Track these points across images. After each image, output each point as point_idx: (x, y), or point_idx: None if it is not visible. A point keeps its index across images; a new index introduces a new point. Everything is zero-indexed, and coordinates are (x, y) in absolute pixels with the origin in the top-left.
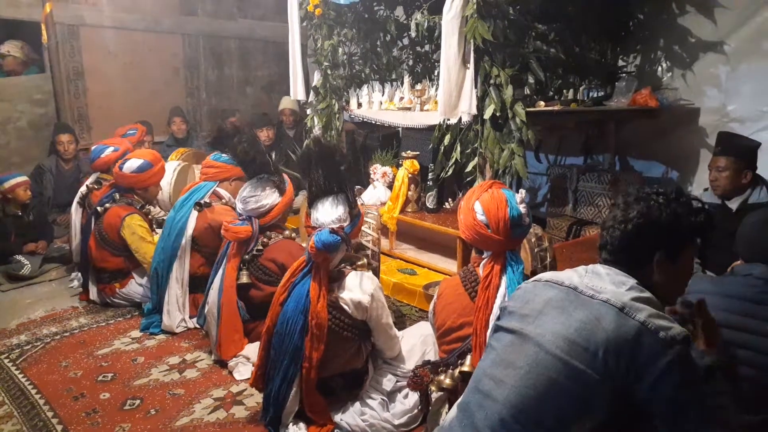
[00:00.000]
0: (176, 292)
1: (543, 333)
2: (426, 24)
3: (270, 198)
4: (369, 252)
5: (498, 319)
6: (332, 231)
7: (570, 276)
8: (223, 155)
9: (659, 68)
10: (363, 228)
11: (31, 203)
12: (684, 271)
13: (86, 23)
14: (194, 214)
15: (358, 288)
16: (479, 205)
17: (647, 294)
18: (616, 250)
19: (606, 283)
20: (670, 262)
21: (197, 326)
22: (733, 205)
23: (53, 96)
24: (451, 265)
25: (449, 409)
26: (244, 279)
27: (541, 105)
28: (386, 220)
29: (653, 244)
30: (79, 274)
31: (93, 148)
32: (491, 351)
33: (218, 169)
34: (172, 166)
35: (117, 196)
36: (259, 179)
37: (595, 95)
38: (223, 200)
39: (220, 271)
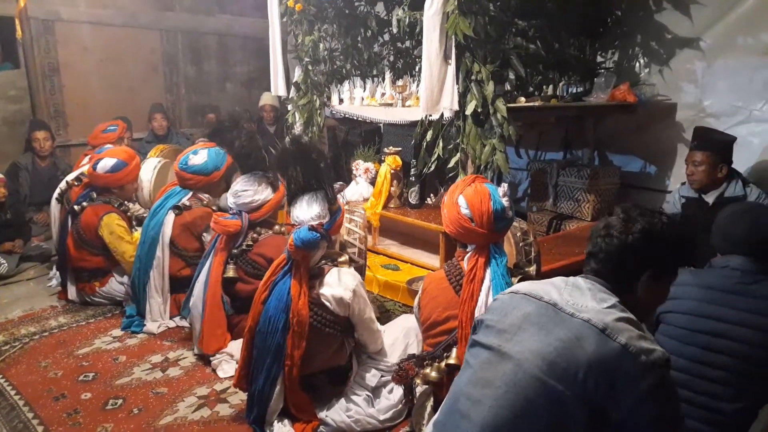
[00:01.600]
0: (157, 300)
1: (521, 351)
2: (407, 20)
3: (263, 194)
4: (356, 250)
5: (474, 332)
6: (311, 228)
7: (548, 290)
8: (191, 164)
9: (637, 64)
10: (350, 226)
11: (8, 201)
12: (662, 293)
13: (62, 18)
14: (171, 217)
15: (339, 284)
16: (463, 199)
17: (628, 314)
18: (607, 259)
19: (587, 300)
20: (654, 282)
21: (178, 326)
22: (710, 198)
23: (28, 92)
24: (434, 260)
25: (434, 402)
26: (231, 273)
27: (522, 101)
28: (369, 216)
29: (646, 261)
30: (57, 273)
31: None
32: (468, 368)
33: (192, 181)
34: (152, 164)
35: (94, 195)
36: (254, 174)
37: (575, 91)
38: (204, 201)
39: (207, 265)
